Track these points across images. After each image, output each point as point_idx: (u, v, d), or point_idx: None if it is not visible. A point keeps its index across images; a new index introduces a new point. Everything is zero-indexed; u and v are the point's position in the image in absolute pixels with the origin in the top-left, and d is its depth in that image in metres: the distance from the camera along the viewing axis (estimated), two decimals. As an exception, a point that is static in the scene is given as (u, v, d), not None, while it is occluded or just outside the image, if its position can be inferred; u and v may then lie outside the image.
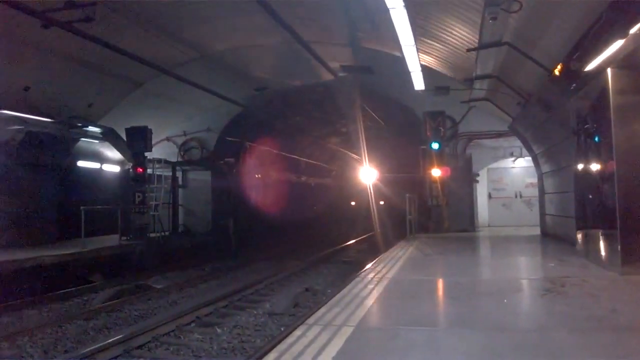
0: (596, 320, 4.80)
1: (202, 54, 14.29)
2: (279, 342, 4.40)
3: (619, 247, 6.82)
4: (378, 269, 8.42)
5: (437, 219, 16.64)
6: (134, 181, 15.54)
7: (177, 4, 10.98)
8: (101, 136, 15.65)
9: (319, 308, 5.65)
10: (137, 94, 15.49)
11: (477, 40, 8.87)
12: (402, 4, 7.49)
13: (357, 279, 7.51)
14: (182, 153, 19.53)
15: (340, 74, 15.36)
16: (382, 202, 26.93)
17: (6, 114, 12.15)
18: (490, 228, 17.31)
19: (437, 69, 12.99)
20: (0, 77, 11.49)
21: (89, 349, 6.79)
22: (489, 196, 18.02)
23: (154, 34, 12.21)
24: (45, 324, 8.39)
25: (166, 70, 12.99)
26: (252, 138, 21.32)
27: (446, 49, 11.27)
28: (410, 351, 4.07)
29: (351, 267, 14.44)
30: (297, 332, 4.57)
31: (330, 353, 3.95)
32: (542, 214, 14.25)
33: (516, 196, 17.78)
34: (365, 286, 6.82)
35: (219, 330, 7.98)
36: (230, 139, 19.51)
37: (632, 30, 5.74)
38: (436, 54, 11.97)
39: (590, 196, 8.37)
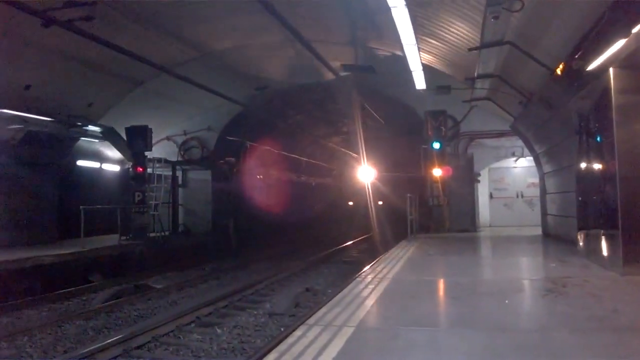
0: (597, 321, 4.78)
1: (202, 53, 14.26)
2: (279, 342, 4.37)
3: (621, 247, 6.79)
4: (379, 269, 8.40)
5: (438, 219, 16.63)
6: (134, 180, 15.55)
7: (177, 3, 10.95)
8: (101, 135, 15.64)
9: (319, 308, 5.63)
10: (137, 93, 15.46)
11: (478, 39, 8.83)
12: (404, 2, 7.47)
13: (358, 279, 7.49)
14: (182, 152, 19.49)
15: (342, 73, 15.32)
16: (382, 202, 26.87)
17: (6, 113, 12.14)
18: (491, 228, 17.28)
19: (438, 68, 12.96)
20: (0, 76, 11.47)
21: (88, 349, 6.77)
22: (491, 196, 17.98)
23: (154, 32, 12.20)
24: (45, 324, 8.36)
25: (166, 69, 12.96)
26: (253, 137, 21.26)
27: (448, 48, 11.24)
28: (411, 351, 4.05)
29: (352, 267, 14.41)
30: (298, 333, 4.55)
31: (330, 353, 3.92)
32: (544, 214, 14.23)
33: (518, 196, 17.75)
34: (366, 286, 6.80)
35: (218, 331, 7.96)
36: (230, 138, 19.48)
37: (635, 30, 5.72)
38: (437, 53, 11.95)
39: (592, 196, 8.34)
